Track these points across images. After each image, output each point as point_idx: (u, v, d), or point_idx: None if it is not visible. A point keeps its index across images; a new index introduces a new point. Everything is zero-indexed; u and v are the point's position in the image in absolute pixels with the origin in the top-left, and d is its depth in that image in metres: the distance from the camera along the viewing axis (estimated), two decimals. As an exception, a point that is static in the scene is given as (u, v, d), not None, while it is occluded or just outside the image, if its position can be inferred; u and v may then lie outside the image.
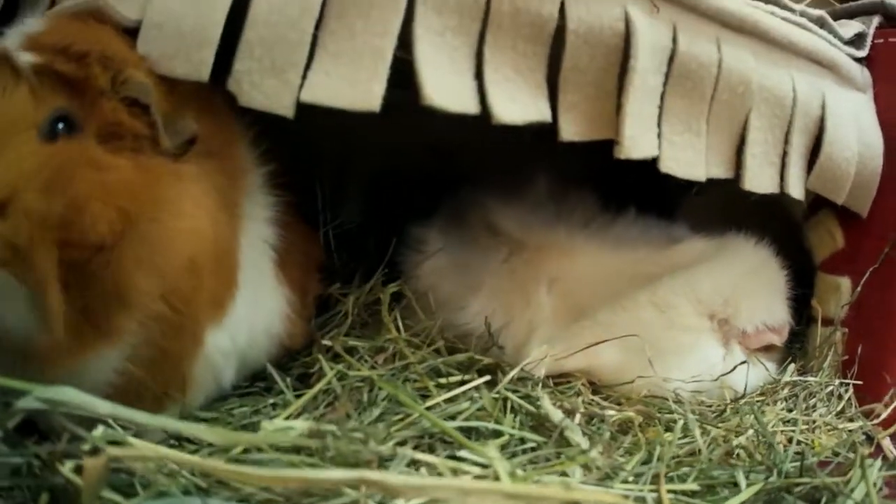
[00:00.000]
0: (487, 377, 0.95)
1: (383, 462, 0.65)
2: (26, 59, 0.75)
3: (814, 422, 1.12)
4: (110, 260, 0.73)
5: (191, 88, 0.83)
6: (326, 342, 1.01)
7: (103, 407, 0.56)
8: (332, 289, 1.21)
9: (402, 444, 0.79)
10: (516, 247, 1.21)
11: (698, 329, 1.17)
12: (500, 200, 1.26)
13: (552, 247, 1.20)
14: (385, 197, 1.55)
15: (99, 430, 0.60)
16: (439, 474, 0.66)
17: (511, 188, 1.31)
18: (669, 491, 0.78)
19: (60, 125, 0.75)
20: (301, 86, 0.82)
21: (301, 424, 0.67)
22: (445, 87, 0.83)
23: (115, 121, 0.77)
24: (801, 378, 1.22)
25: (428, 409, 0.88)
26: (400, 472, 0.65)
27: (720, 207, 1.39)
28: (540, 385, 1.01)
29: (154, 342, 0.80)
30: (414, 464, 0.68)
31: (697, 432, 0.92)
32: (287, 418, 0.83)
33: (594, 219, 1.27)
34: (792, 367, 1.25)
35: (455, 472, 0.65)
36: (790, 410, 1.14)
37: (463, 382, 0.96)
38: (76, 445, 0.59)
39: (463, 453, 0.69)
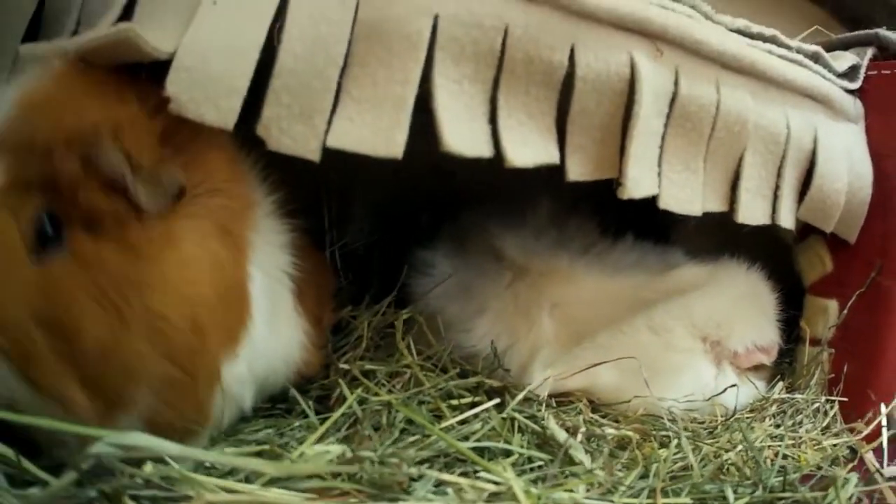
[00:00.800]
0: (497, 399, 1.04)
1: (412, 482, 0.74)
2: None
3: (800, 437, 1.22)
4: (113, 353, 0.77)
5: (192, 130, 0.86)
6: (344, 366, 1.09)
7: (171, 448, 0.64)
8: (344, 311, 1.29)
9: (420, 463, 0.88)
10: (520, 272, 1.31)
11: (692, 351, 1.27)
12: (504, 226, 1.35)
13: (554, 272, 1.29)
14: (389, 218, 1.63)
15: (149, 467, 0.69)
16: (462, 492, 0.75)
17: (513, 213, 1.39)
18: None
19: (47, 226, 0.77)
20: (326, 131, 0.90)
21: (336, 448, 0.77)
22: (462, 133, 0.92)
23: (94, 207, 0.78)
24: (789, 395, 1.33)
25: (442, 430, 0.97)
26: (428, 490, 0.74)
27: (713, 230, 1.49)
28: (544, 406, 1.11)
29: (169, 397, 0.84)
30: (438, 484, 0.77)
31: (689, 450, 1.02)
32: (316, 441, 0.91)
33: (594, 244, 1.36)
34: (780, 384, 1.36)
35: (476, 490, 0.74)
36: (778, 426, 1.24)
37: (473, 404, 1.05)
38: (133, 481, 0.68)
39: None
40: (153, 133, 0.83)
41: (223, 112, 0.85)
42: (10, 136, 0.77)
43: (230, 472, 0.84)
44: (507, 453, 0.96)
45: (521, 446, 0.98)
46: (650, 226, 1.49)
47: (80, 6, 1.04)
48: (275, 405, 1.11)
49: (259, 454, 0.83)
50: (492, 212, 1.40)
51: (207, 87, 0.85)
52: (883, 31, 1.44)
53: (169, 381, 0.82)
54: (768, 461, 1.09)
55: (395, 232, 1.59)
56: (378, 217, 1.64)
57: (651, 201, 1.12)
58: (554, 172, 1.06)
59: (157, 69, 0.85)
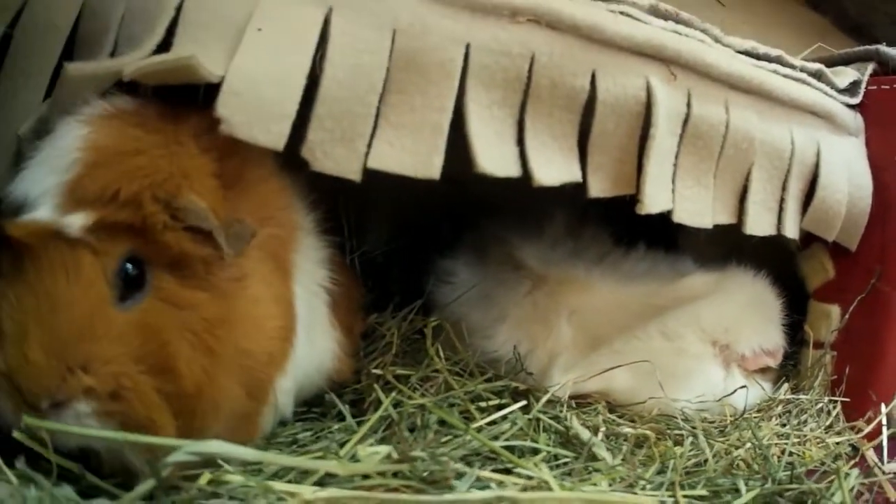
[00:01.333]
0: (523, 401, 1.13)
1: (457, 478, 0.83)
2: (76, 222, 0.78)
3: (805, 435, 1.32)
4: (205, 394, 0.83)
5: (241, 160, 0.94)
6: (377, 371, 1.18)
7: (248, 454, 0.71)
8: (370, 319, 1.38)
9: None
10: (538, 281, 1.40)
11: (702, 355, 1.37)
12: (522, 236, 1.45)
13: (571, 281, 1.39)
14: (407, 227, 1.72)
15: (206, 476, 0.77)
16: (502, 486, 0.84)
17: (530, 224, 1.49)
18: (684, 496, 0.96)
19: (129, 267, 0.81)
20: (367, 153, 0.98)
21: (383, 449, 0.85)
22: (493, 156, 1.00)
23: (183, 252, 0.82)
24: (794, 396, 1.43)
25: (473, 430, 1.06)
26: (472, 486, 0.83)
27: (721, 239, 1.59)
28: (565, 407, 1.20)
29: (237, 423, 0.92)
30: (478, 479, 0.86)
31: (706, 446, 1.11)
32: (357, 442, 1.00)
33: (608, 254, 1.46)
34: (786, 386, 1.46)
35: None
36: (784, 425, 1.34)
37: (500, 406, 1.14)
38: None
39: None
40: (213, 174, 0.88)
41: (273, 135, 0.91)
42: (90, 182, 0.80)
43: (276, 475, 0.93)
44: (535, 451, 1.05)
45: (547, 445, 1.07)
46: (658, 234, 1.59)
47: (118, 27, 1.10)
48: (310, 409, 1.20)
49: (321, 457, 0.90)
50: (509, 222, 1.49)
51: (258, 111, 0.90)
52: (883, 48, 1.53)
53: (242, 411, 0.88)
54: (775, 458, 1.19)
55: (413, 241, 1.67)
56: (395, 226, 1.73)
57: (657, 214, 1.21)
58: (563, 186, 1.15)
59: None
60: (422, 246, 1.57)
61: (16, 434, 0.76)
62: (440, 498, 0.67)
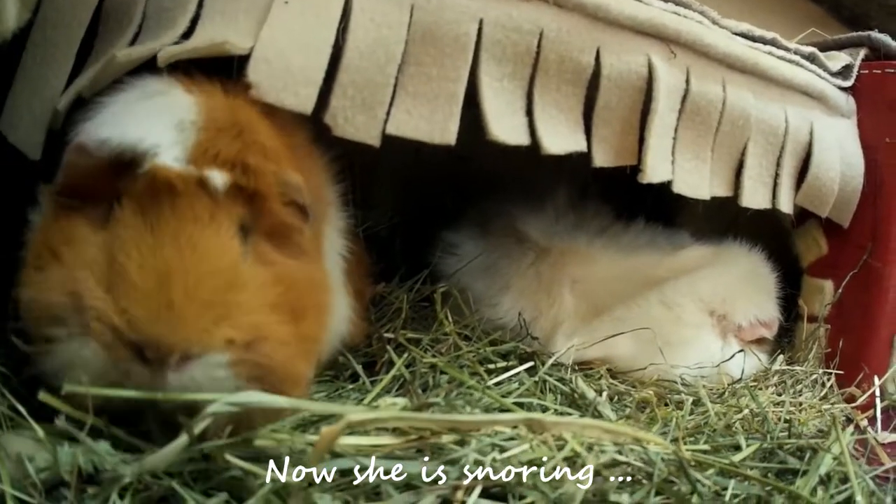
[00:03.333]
0: (530, 363, 1.24)
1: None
2: (220, 178, 0.83)
3: (800, 404, 1.44)
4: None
5: (293, 137, 1.03)
6: (388, 335, 1.28)
7: (283, 401, 0.77)
8: (378, 288, 1.48)
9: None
10: (542, 252, 1.52)
11: (700, 324, 1.49)
12: (526, 210, 1.56)
13: (574, 252, 1.50)
14: (410, 202, 1.83)
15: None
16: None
17: (532, 198, 1.60)
18: (686, 449, 1.07)
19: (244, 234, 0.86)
20: (385, 120, 1.09)
21: (401, 401, 0.96)
22: (504, 125, 1.12)
23: (283, 222, 0.90)
24: (789, 367, 1.55)
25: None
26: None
27: (717, 215, 1.71)
28: (569, 370, 1.31)
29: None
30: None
31: (709, 404, 1.23)
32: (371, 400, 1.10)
33: (609, 227, 1.58)
34: (781, 357, 1.59)
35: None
36: (780, 395, 1.45)
37: (507, 368, 1.25)
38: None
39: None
40: (289, 148, 0.97)
41: (301, 98, 1.01)
42: (224, 145, 0.85)
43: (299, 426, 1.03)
44: (543, 409, 1.15)
45: (555, 403, 1.18)
46: (655, 213, 1.71)
47: (144, 7, 1.20)
48: (323, 372, 1.30)
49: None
50: (512, 198, 1.61)
51: (286, 77, 1.00)
52: (875, 34, 1.66)
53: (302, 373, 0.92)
54: (773, 421, 1.30)
55: (417, 216, 1.78)
56: (399, 202, 1.84)
57: (655, 190, 1.33)
58: (563, 162, 1.26)
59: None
60: (425, 221, 1.68)
61: (42, 396, 0.77)
62: (474, 418, 0.77)
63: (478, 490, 0.78)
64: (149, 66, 0.99)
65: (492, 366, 1.26)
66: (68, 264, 0.81)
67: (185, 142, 0.84)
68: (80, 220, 0.86)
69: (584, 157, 1.24)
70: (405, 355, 1.22)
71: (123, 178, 0.84)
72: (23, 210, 0.98)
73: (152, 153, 0.82)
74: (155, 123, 0.85)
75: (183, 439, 0.75)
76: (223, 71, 1.01)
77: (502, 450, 0.85)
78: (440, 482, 0.79)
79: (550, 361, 1.27)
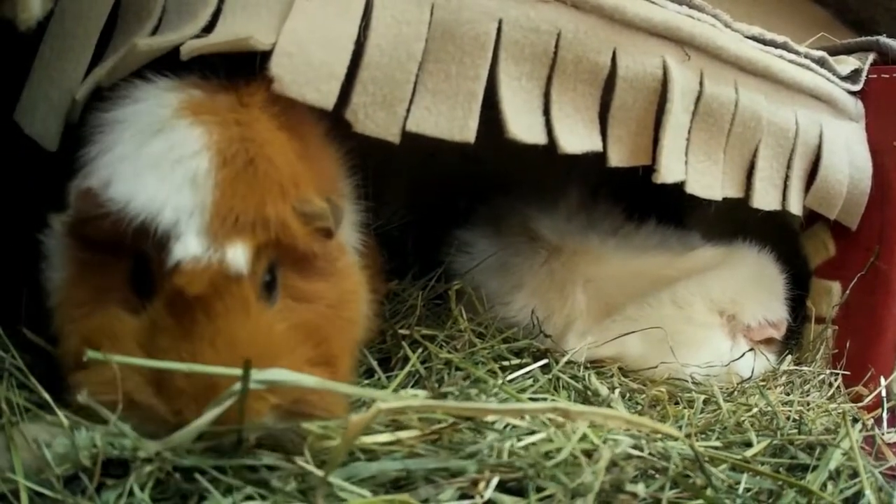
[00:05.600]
0: (545, 360, 1.28)
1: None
2: (240, 257, 0.82)
3: (808, 404, 1.47)
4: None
5: (305, 132, 1.04)
6: (403, 331, 1.31)
7: (309, 381, 0.79)
8: (391, 285, 1.52)
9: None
10: (554, 251, 1.55)
11: (710, 324, 1.52)
12: (538, 210, 1.60)
13: (586, 252, 1.54)
14: (422, 201, 1.86)
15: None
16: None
17: (543, 198, 1.64)
18: (699, 445, 1.10)
19: (268, 277, 0.87)
20: (405, 118, 1.12)
21: (421, 392, 0.99)
22: (522, 124, 1.15)
23: (308, 250, 0.90)
24: (797, 368, 1.59)
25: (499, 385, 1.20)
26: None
27: (725, 218, 1.75)
28: (582, 368, 1.34)
29: None
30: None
31: (721, 401, 1.26)
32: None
33: (621, 227, 1.61)
34: (789, 358, 1.62)
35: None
36: (788, 394, 1.49)
37: (521, 366, 1.28)
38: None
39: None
40: (298, 155, 0.95)
41: (323, 94, 1.02)
42: (239, 203, 0.84)
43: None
44: (556, 405, 1.19)
45: (569, 400, 1.21)
46: (665, 215, 1.75)
47: (164, 2, 1.22)
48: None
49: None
50: (524, 197, 1.65)
51: (309, 72, 1.01)
52: (883, 39, 1.70)
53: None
54: (783, 416, 1.34)
55: (428, 215, 1.82)
56: (411, 202, 1.87)
57: (666, 191, 1.36)
58: (574, 163, 1.29)
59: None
60: (437, 220, 1.72)
61: (80, 398, 0.79)
62: (501, 406, 0.80)
63: (496, 482, 0.82)
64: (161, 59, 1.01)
65: (506, 363, 1.30)
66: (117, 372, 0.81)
67: (202, 208, 0.83)
68: (112, 299, 0.87)
69: (595, 158, 1.27)
70: (420, 351, 1.25)
71: (142, 237, 0.83)
72: (31, 205, 1.00)
73: (175, 234, 0.81)
74: (168, 184, 0.83)
75: (208, 416, 0.77)
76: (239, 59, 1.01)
77: (521, 438, 0.88)
78: (460, 476, 0.82)
79: (565, 359, 1.30)
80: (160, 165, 0.85)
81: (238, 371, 0.78)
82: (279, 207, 0.86)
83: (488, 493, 0.80)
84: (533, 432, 0.90)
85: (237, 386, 0.78)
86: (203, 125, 0.88)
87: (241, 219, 0.83)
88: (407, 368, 1.21)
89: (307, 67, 1.02)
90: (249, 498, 0.77)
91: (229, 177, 0.85)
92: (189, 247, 0.81)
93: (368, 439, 0.86)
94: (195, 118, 0.90)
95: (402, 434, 0.87)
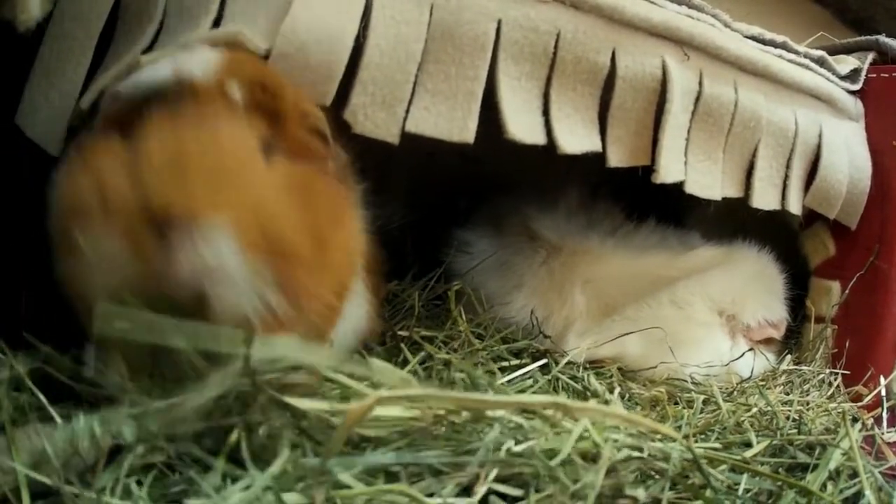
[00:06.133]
0: (544, 360, 1.28)
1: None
2: (237, 92, 0.90)
3: (808, 404, 1.47)
4: (318, 263, 0.89)
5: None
6: (402, 332, 1.32)
7: (319, 356, 0.82)
8: (390, 286, 1.52)
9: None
10: (553, 251, 1.55)
11: (710, 324, 1.52)
12: (537, 209, 1.60)
13: (585, 252, 1.54)
14: (421, 201, 1.86)
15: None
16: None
17: (543, 198, 1.64)
18: (698, 446, 1.11)
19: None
20: (405, 118, 1.12)
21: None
22: (522, 124, 1.15)
23: (304, 143, 0.96)
24: (797, 367, 1.59)
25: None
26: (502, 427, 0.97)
27: (725, 218, 1.76)
28: (581, 368, 1.35)
29: (324, 321, 0.97)
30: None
31: (721, 401, 1.26)
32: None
33: (620, 227, 1.61)
34: (789, 357, 1.62)
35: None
36: (787, 394, 1.49)
37: (520, 366, 1.28)
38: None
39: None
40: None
41: (321, 94, 1.05)
42: (239, 68, 0.93)
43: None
44: (556, 405, 1.19)
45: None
46: (664, 215, 1.76)
47: (165, 4, 1.23)
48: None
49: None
50: (522, 197, 1.65)
51: (305, 73, 1.03)
52: (883, 38, 1.71)
53: (322, 316, 0.94)
54: (782, 416, 1.34)
55: (427, 216, 1.82)
56: (410, 202, 1.87)
57: (665, 191, 1.37)
58: (574, 163, 1.30)
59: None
60: (436, 221, 1.72)
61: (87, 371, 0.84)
62: (500, 398, 0.80)
63: (496, 477, 0.82)
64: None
65: (505, 363, 1.30)
66: (97, 169, 0.84)
67: (210, 62, 0.91)
68: (113, 138, 0.88)
69: (595, 158, 1.27)
70: (419, 352, 1.25)
71: (154, 104, 0.88)
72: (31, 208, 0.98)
73: (183, 75, 0.89)
74: (184, 59, 0.92)
75: (208, 391, 0.77)
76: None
77: (520, 440, 0.88)
78: (460, 470, 0.83)
79: (565, 361, 1.31)
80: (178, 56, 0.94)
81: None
82: (278, 85, 0.93)
83: (487, 488, 0.80)
84: (533, 429, 0.90)
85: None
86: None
87: (242, 76, 0.91)
88: (407, 370, 1.21)
89: (305, 68, 1.04)
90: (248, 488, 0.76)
91: (237, 60, 0.94)
92: (194, 71, 0.90)
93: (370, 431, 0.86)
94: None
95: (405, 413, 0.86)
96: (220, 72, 0.91)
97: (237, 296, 0.82)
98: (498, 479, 0.81)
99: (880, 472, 1.13)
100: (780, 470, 1.09)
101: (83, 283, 0.83)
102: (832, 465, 1.08)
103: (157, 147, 0.82)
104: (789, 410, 1.39)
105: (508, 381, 1.25)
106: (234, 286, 0.81)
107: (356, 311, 1.25)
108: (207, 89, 0.89)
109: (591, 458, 0.89)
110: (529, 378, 1.23)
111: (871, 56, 1.69)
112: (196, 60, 0.93)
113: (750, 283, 1.57)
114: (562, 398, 0.78)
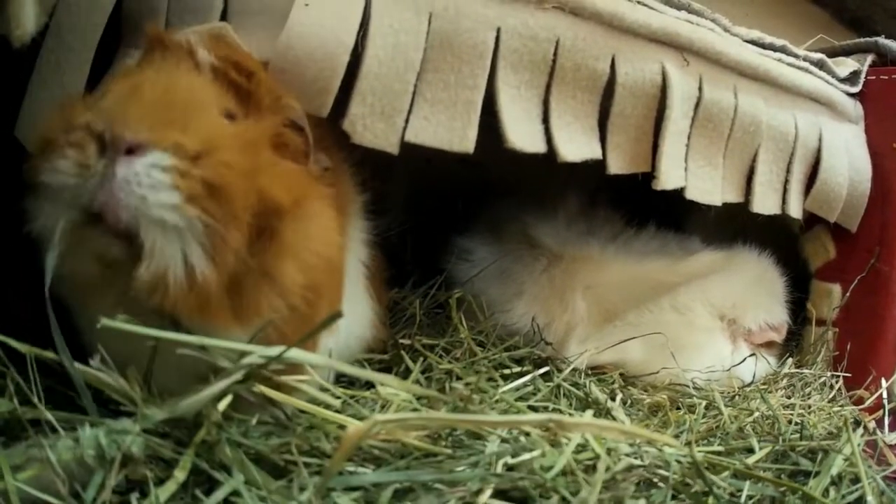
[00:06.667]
0: (546, 368, 1.28)
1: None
2: (206, 57, 0.94)
3: (809, 407, 1.48)
4: (268, 247, 0.87)
5: (318, 126, 1.05)
6: (404, 341, 1.32)
7: (318, 360, 0.82)
8: (391, 293, 1.52)
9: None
10: (554, 258, 1.55)
11: (711, 328, 1.53)
12: (537, 216, 1.60)
13: (586, 258, 1.54)
14: (421, 208, 1.86)
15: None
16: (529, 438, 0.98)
17: (543, 205, 1.64)
18: (700, 451, 1.11)
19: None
20: (404, 128, 1.12)
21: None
22: (522, 132, 1.15)
23: (279, 132, 0.95)
24: (798, 370, 1.59)
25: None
26: (503, 438, 0.97)
27: (725, 223, 1.76)
28: (583, 375, 1.35)
29: (281, 334, 0.91)
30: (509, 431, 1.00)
31: (722, 406, 1.26)
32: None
33: (620, 233, 1.62)
34: (790, 360, 1.63)
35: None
36: (789, 397, 1.49)
37: (522, 374, 1.28)
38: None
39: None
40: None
41: (316, 107, 1.05)
42: (219, 48, 0.96)
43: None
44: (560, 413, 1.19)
45: (570, 407, 1.22)
46: (663, 221, 1.76)
47: (166, 11, 1.22)
48: (339, 378, 1.33)
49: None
50: (523, 204, 1.65)
51: (301, 88, 1.04)
52: (882, 40, 1.71)
53: (292, 311, 0.91)
54: (784, 420, 1.34)
55: (426, 222, 1.82)
56: (409, 208, 1.87)
57: (665, 197, 1.37)
58: (573, 169, 1.30)
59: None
60: (435, 227, 1.72)
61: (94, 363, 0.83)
62: (496, 418, 0.81)
63: (496, 493, 0.82)
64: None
65: (507, 370, 1.30)
66: (64, 106, 0.90)
67: (191, 34, 0.96)
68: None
69: (594, 164, 1.27)
70: (421, 361, 1.25)
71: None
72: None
73: (159, 34, 0.96)
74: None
75: (224, 382, 0.79)
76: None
77: (519, 453, 0.89)
78: (461, 485, 0.83)
79: (569, 369, 1.31)
80: None
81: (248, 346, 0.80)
82: (253, 68, 0.96)
83: (488, 502, 0.80)
84: (533, 447, 0.90)
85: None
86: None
87: (217, 50, 0.96)
88: (410, 379, 1.21)
89: (300, 83, 1.05)
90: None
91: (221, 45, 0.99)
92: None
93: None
94: None
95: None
96: (195, 40, 0.96)
97: (163, 242, 0.81)
98: (497, 493, 0.82)
99: (882, 477, 1.14)
100: (783, 476, 1.09)
101: (39, 211, 0.86)
102: (834, 471, 1.08)
103: (117, 83, 0.88)
104: (791, 414, 1.39)
105: (512, 389, 1.25)
106: (162, 228, 0.81)
107: (359, 319, 1.25)
108: (177, 46, 0.94)
109: (593, 468, 0.89)
110: (531, 386, 1.23)
111: (870, 58, 1.69)
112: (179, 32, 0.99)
113: (751, 287, 1.57)
114: (557, 415, 0.78)
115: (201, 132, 0.84)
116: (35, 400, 0.87)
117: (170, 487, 0.75)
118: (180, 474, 0.76)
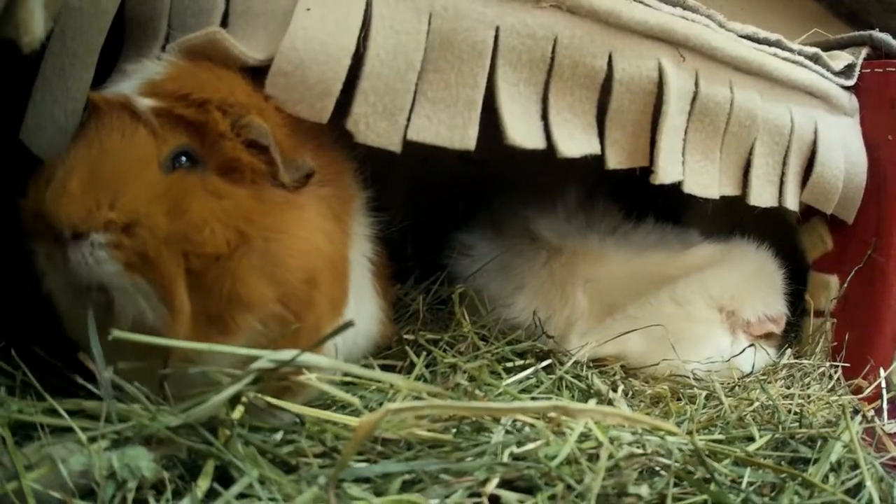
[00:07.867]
0: (548, 360, 1.30)
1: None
2: (145, 103, 0.95)
3: (808, 396, 1.50)
4: (227, 269, 0.93)
5: (310, 126, 1.09)
6: (408, 336, 1.34)
7: (324, 362, 0.85)
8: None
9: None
10: (554, 252, 1.58)
11: (710, 320, 1.56)
12: (537, 211, 1.63)
13: (586, 252, 1.57)
14: (421, 204, 1.88)
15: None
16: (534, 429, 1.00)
17: (543, 200, 1.67)
18: (701, 439, 1.13)
19: (183, 159, 0.96)
20: (406, 126, 1.14)
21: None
22: (521, 129, 1.17)
23: (234, 157, 0.97)
24: (797, 361, 1.62)
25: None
26: (506, 429, 0.99)
27: (723, 216, 1.78)
28: (585, 367, 1.37)
29: (274, 339, 0.97)
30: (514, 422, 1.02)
31: (723, 396, 1.29)
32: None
33: (619, 226, 1.64)
34: (789, 351, 1.66)
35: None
36: (789, 387, 1.52)
37: (524, 367, 1.31)
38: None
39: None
40: (285, 123, 1.05)
41: (317, 110, 1.07)
42: (168, 83, 0.98)
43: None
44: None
45: (571, 400, 1.24)
46: (662, 215, 1.78)
47: (169, 14, 1.25)
48: (345, 375, 1.35)
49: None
50: (523, 199, 1.67)
51: (303, 90, 1.06)
52: (876, 33, 1.73)
53: (277, 319, 0.97)
54: (784, 409, 1.37)
55: (427, 218, 1.84)
56: (410, 205, 1.89)
57: (663, 190, 1.39)
58: (572, 164, 1.32)
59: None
60: (436, 223, 1.74)
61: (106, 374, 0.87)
62: (503, 405, 0.83)
63: (503, 482, 0.84)
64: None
65: (510, 364, 1.32)
66: (35, 186, 0.96)
67: (143, 83, 0.99)
68: None
69: (593, 159, 1.29)
70: (424, 355, 1.28)
71: None
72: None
73: (98, 94, 0.99)
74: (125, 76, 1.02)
75: (232, 389, 0.83)
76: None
77: (524, 443, 0.91)
78: (468, 475, 0.85)
79: (570, 362, 1.33)
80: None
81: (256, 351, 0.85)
82: (205, 97, 0.97)
83: (494, 492, 0.83)
84: (537, 437, 0.93)
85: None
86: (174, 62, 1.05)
87: (164, 89, 0.97)
88: (414, 373, 1.24)
89: (302, 86, 1.07)
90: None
91: (175, 75, 1.00)
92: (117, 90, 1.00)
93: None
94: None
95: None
96: (136, 87, 0.99)
97: (128, 303, 0.93)
98: (503, 482, 0.84)
99: (881, 464, 1.16)
100: (783, 463, 1.11)
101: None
102: (833, 458, 1.11)
103: (59, 167, 0.93)
104: (790, 404, 1.42)
105: (515, 381, 1.27)
106: (119, 289, 0.92)
107: (366, 316, 1.27)
108: (113, 105, 0.96)
109: (596, 456, 0.92)
110: (534, 379, 1.26)
111: (864, 51, 1.72)
112: (131, 76, 1.02)
113: (749, 279, 1.60)
114: (562, 401, 0.81)
115: (128, 204, 0.91)
116: (50, 400, 0.90)
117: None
118: (203, 483, 0.79)
